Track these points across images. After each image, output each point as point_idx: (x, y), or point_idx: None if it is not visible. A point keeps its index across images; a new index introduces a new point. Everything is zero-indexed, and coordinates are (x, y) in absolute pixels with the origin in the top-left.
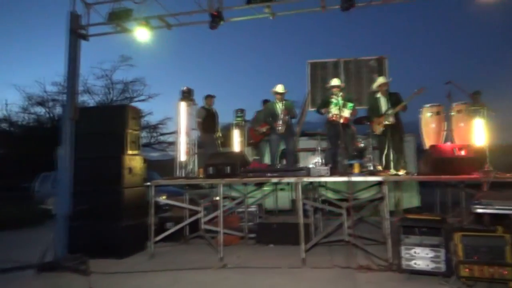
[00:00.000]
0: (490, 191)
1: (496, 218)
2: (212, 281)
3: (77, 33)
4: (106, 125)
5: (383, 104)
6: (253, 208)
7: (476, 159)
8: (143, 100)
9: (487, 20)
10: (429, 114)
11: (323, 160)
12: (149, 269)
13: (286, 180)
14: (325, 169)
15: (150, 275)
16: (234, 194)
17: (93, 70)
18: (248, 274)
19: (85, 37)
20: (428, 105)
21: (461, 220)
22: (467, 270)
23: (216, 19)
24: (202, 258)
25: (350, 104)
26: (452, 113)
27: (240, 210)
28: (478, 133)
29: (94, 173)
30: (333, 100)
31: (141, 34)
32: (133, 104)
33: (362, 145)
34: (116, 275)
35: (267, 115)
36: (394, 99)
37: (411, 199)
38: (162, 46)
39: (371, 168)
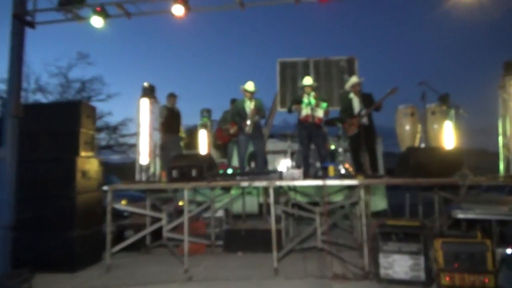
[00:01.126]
0: (467, 195)
1: (470, 222)
2: None
3: (21, 20)
4: (56, 123)
5: (357, 104)
6: (220, 213)
7: (454, 162)
8: (102, 100)
9: (460, 22)
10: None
11: (294, 163)
12: (106, 284)
13: (257, 184)
14: (298, 172)
15: None
16: (199, 198)
17: (47, 67)
18: (216, 287)
19: (31, 24)
20: (402, 106)
21: (438, 225)
22: (447, 278)
23: None
24: (165, 270)
25: (324, 104)
26: (428, 115)
27: (205, 215)
28: (448, 135)
29: (42, 177)
30: (305, 100)
31: (96, 22)
32: (92, 104)
33: (332, 147)
34: None
35: (235, 113)
36: (367, 100)
37: (378, 202)
38: (122, 43)
39: (343, 171)
